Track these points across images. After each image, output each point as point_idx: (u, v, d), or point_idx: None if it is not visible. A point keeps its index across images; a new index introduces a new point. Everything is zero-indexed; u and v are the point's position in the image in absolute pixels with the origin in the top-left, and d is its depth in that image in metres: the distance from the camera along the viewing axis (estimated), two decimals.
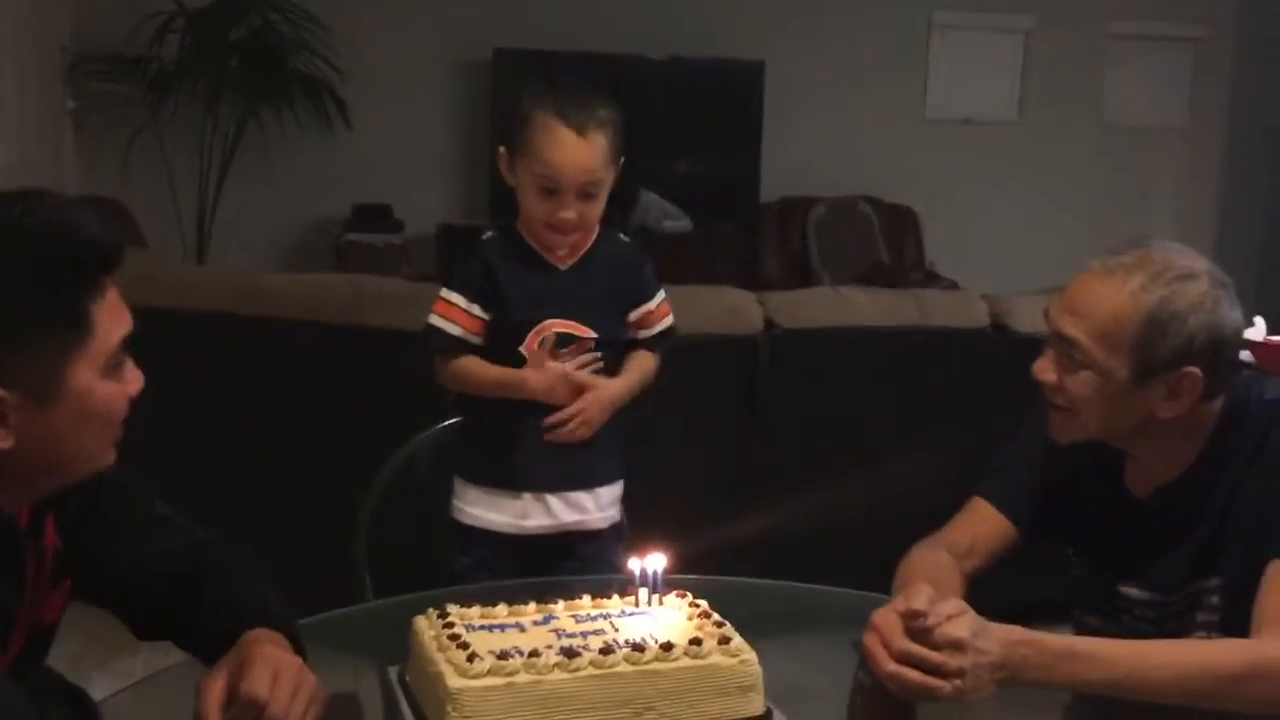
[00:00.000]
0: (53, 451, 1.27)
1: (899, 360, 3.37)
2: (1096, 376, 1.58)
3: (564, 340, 2.10)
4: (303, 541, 2.75)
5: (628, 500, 2.28)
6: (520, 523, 2.13)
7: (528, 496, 2.12)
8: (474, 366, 2.12)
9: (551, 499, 2.13)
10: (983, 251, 6.33)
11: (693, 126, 6.25)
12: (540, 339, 2.07)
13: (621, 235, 2.20)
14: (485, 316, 2.10)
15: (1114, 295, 1.56)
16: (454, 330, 2.10)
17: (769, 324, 3.31)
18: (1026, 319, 3.37)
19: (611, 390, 2.12)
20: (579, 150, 2.00)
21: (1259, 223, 6.92)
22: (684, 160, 6.35)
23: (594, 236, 2.13)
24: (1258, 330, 3.32)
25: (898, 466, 3.10)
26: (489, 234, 2.15)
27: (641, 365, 2.20)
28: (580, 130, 2.00)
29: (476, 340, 2.11)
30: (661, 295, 2.22)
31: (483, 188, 5.97)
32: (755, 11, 6.30)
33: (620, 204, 5.90)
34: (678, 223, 6.04)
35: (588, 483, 2.16)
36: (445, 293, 2.12)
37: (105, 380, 1.28)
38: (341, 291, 3.29)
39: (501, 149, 2.09)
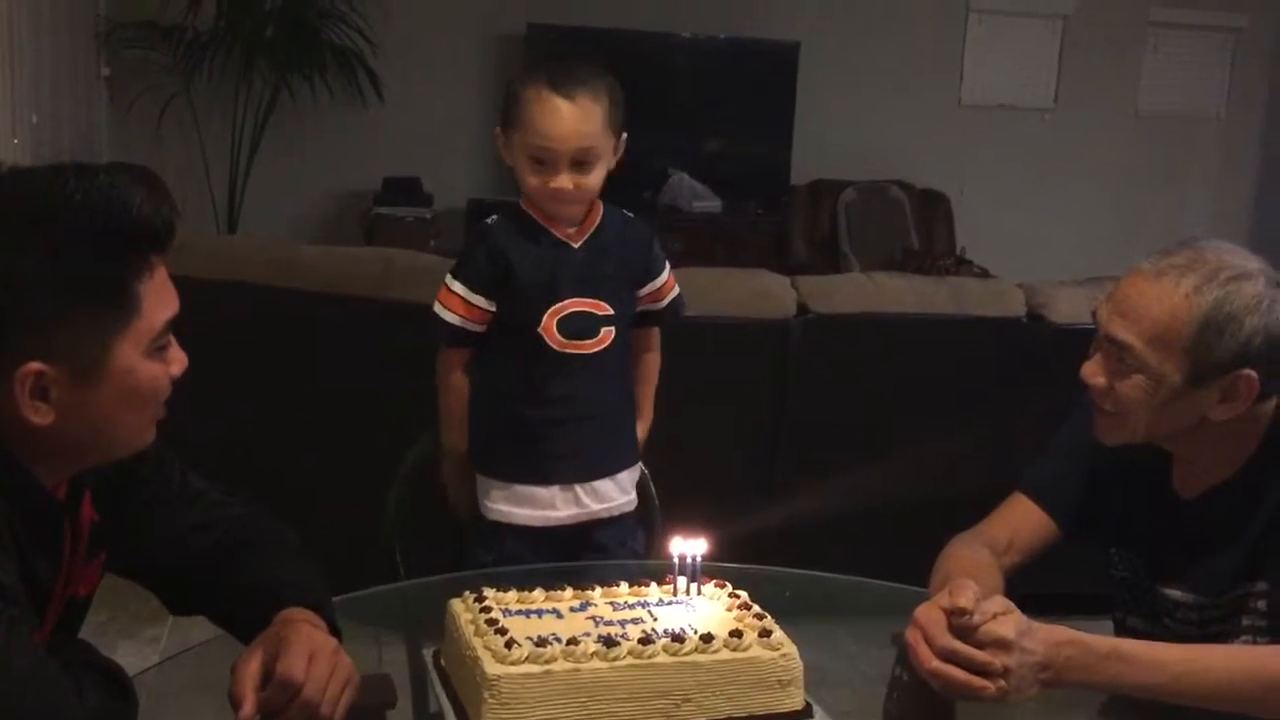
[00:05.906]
0: (93, 429, 1.26)
1: (933, 348, 3.34)
2: (1149, 381, 1.53)
3: (580, 322, 2.07)
4: (330, 518, 2.76)
5: (659, 486, 2.26)
6: (547, 514, 2.11)
7: (555, 489, 2.10)
8: (453, 395, 2.13)
9: (579, 488, 2.12)
10: (1014, 239, 6.28)
11: (724, 106, 6.21)
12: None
13: (625, 211, 2.16)
14: (489, 308, 2.06)
15: (1167, 298, 1.51)
16: (451, 319, 2.07)
17: (802, 309, 3.28)
18: (1064, 309, 3.33)
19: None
20: (570, 118, 1.97)
21: None
22: (714, 140, 6.32)
23: (600, 213, 2.10)
24: None
25: (930, 455, 3.07)
26: (493, 218, 2.11)
27: (649, 385, 2.25)
28: (570, 97, 1.97)
29: (476, 328, 2.08)
30: (668, 269, 2.21)
31: None
32: None
33: (649, 183, 5.92)
34: (706, 203, 6.01)
35: (611, 469, 2.15)
36: (448, 280, 2.09)
37: (149, 360, 1.27)
38: (372, 265, 3.28)
39: (497, 129, 2.07)
